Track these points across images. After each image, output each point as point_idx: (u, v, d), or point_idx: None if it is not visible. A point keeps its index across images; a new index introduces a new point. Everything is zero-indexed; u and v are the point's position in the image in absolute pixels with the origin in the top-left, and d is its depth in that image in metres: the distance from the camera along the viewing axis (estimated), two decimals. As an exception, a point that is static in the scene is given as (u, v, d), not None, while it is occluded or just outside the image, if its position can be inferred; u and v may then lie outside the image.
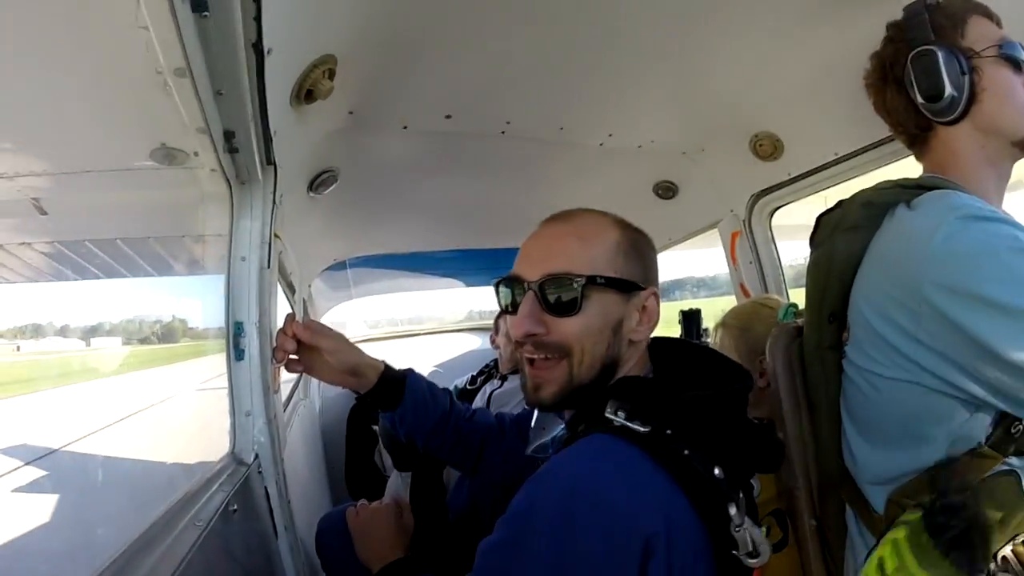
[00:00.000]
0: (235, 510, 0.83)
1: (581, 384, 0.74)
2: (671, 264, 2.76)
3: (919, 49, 0.85)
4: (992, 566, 0.70)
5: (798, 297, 1.07)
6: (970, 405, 0.73)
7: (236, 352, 0.92)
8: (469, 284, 3.53)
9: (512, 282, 0.79)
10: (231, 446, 0.94)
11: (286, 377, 1.15)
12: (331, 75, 0.98)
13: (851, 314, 0.83)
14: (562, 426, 0.85)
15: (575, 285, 0.73)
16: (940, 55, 0.82)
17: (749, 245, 1.87)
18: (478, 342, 3.48)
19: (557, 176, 1.87)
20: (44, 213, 1.03)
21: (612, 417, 0.67)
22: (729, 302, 1.89)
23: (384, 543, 1.06)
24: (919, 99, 0.85)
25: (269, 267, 0.96)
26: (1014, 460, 0.74)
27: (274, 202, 0.98)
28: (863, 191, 0.86)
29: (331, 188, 1.58)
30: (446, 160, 1.68)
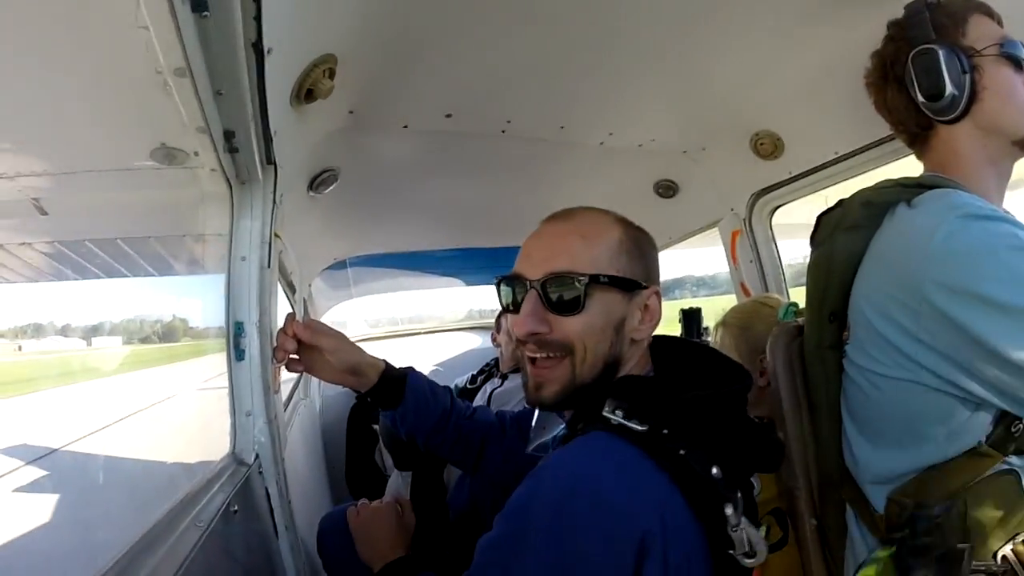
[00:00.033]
0: (236, 510, 0.83)
1: (583, 383, 0.74)
2: (671, 263, 2.76)
3: (920, 48, 0.84)
4: (992, 565, 0.70)
5: (798, 296, 1.07)
6: (970, 404, 0.73)
7: (236, 352, 0.92)
8: (469, 283, 3.52)
9: (514, 281, 0.78)
10: (232, 446, 0.94)
11: (286, 377, 1.15)
12: (331, 75, 0.97)
13: (851, 313, 0.83)
14: (563, 425, 0.85)
15: (578, 284, 0.73)
16: (941, 54, 0.82)
17: (749, 244, 1.87)
18: (478, 341, 3.48)
19: (557, 175, 1.86)
20: (44, 213, 1.03)
21: (610, 416, 0.67)
22: (729, 301, 1.88)
23: (385, 542, 1.06)
24: (920, 98, 0.85)
25: (269, 267, 0.96)
26: (1014, 459, 0.74)
27: (274, 202, 0.98)
28: (864, 190, 0.86)
29: (331, 188, 1.58)
30: (446, 159, 1.68)
